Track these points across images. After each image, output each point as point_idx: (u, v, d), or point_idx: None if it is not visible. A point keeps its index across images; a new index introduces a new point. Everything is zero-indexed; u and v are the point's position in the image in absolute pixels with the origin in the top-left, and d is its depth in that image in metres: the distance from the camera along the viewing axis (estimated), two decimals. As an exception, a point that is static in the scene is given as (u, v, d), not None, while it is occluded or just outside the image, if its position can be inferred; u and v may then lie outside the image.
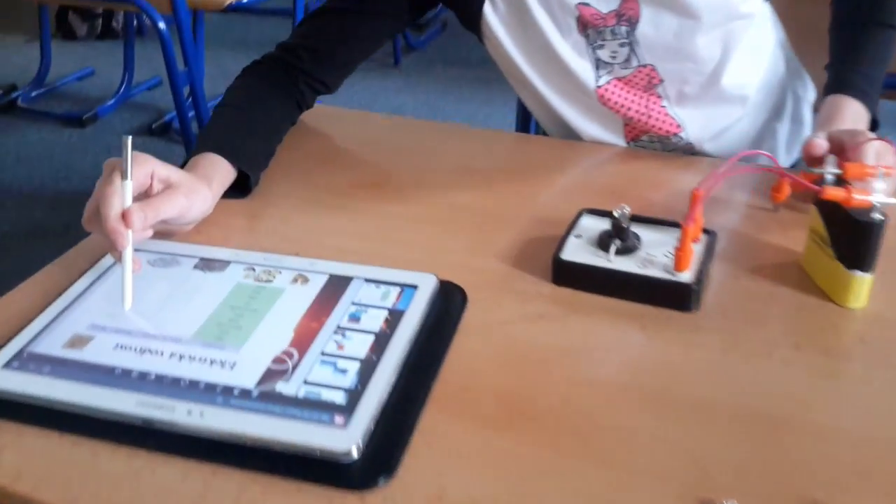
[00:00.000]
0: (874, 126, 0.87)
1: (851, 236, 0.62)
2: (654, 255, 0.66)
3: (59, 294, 0.64)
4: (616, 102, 0.91)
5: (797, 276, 0.68)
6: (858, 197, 0.62)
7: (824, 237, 0.65)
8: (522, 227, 0.75)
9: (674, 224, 0.69)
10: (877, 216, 0.61)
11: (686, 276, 0.64)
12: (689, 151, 0.95)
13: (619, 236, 0.66)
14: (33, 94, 3.04)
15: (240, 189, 0.81)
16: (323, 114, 1.00)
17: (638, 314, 0.63)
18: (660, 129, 0.92)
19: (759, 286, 0.67)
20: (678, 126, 0.93)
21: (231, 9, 2.41)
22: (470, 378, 0.57)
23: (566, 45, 0.88)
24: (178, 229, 0.73)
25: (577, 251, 0.67)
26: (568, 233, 0.69)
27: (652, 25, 0.85)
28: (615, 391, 0.56)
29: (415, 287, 0.64)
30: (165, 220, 0.68)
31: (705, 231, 0.69)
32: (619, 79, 0.90)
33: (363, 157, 0.91)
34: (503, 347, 0.60)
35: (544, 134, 1.06)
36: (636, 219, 0.69)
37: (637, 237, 0.68)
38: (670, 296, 0.63)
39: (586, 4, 0.85)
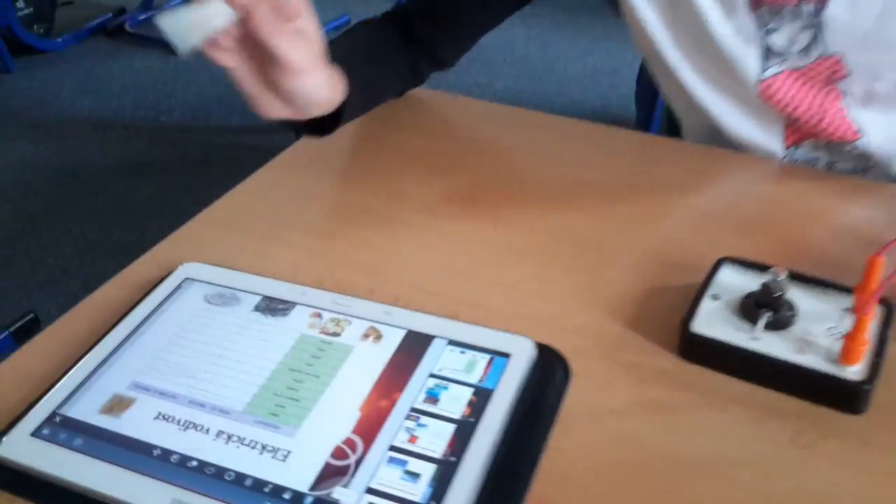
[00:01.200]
0: None
1: None
2: (813, 333, 0.52)
3: (109, 328, 0.57)
4: (781, 99, 0.74)
5: None
6: None
7: None
8: (642, 269, 0.62)
9: (844, 289, 0.55)
10: None
11: (855, 371, 0.50)
12: (862, 167, 0.78)
13: (769, 306, 0.53)
14: (141, 17, 3.02)
15: (318, 128, 0.71)
16: (410, 97, 0.88)
17: (792, 413, 0.50)
18: (832, 133, 0.75)
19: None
20: (856, 132, 0.75)
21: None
22: (566, 492, 0.46)
23: (729, 27, 0.72)
24: (301, 95, 0.62)
25: (713, 320, 0.54)
26: (702, 291, 0.56)
27: (848, 6, 0.68)
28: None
29: (507, 356, 0.53)
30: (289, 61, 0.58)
31: (881, 302, 0.54)
32: (792, 70, 0.73)
33: (455, 159, 0.79)
34: (612, 450, 0.48)
35: (670, 118, 0.90)
36: (793, 276, 0.55)
37: (792, 307, 0.54)
38: (832, 394, 0.49)
39: None
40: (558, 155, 0.78)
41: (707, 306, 0.55)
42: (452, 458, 0.47)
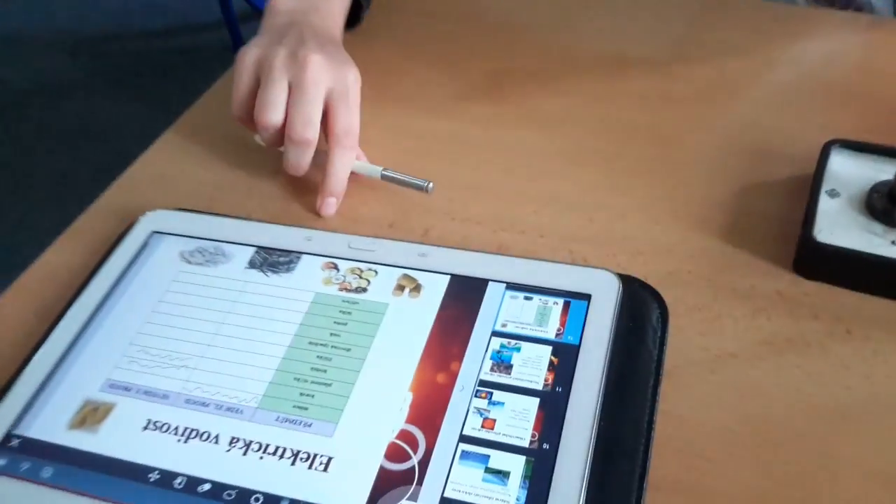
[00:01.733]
0: None
1: None
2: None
3: (63, 309, 0.44)
4: None
5: None
6: None
7: None
8: (731, 165, 0.50)
9: None
10: None
11: None
12: None
13: (905, 199, 0.41)
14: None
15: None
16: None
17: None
18: None
19: None
20: None
21: None
22: (693, 468, 0.36)
23: None
24: None
25: (837, 223, 0.42)
26: (816, 187, 0.44)
27: None
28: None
29: (587, 298, 0.41)
30: None
31: None
32: None
33: (471, 44, 0.64)
34: (736, 406, 0.38)
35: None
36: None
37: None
38: None
39: None
40: (601, 29, 0.64)
41: (826, 206, 0.43)
42: (546, 446, 0.36)
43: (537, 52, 0.62)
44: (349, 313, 0.42)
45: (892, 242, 0.41)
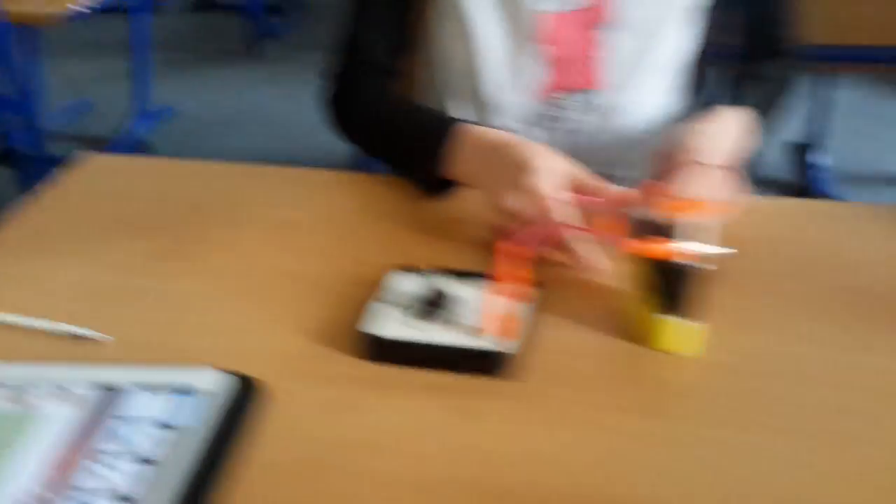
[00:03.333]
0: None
1: (664, 282, 0.58)
2: (463, 316, 0.61)
3: None
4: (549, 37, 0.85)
5: (622, 326, 0.63)
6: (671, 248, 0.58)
7: (643, 282, 0.61)
8: (334, 292, 0.68)
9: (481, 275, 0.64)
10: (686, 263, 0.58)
11: (492, 342, 0.58)
12: (604, 120, 0.89)
13: (432, 303, 0.61)
14: None
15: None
16: (97, 165, 0.90)
17: (458, 389, 0.57)
18: (585, 81, 0.87)
19: (586, 343, 0.62)
20: (605, 82, 0.87)
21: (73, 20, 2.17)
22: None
23: None
24: None
25: (387, 320, 0.61)
26: (377, 299, 0.63)
27: None
28: (439, 488, 0.50)
29: (188, 391, 0.56)
30: None
31: (528, 283, 0.63)
32: (561, 12, 0.84)
33: (162, 219, 0.81)
34: (305, 453, 0.53)
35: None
36: (452, 273, 0.63)
37: (442, 297, 0.62)
38: (483, 365, 0.58)
39: None
40: (265, 201, 0.84)
41: (381, 309, 0.62)
42: (137, 496, 0.49)
43: (213, 222, 0.80)
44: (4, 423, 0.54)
45: (415, 331, 0.60)
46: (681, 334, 0.59)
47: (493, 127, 0.77)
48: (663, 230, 0.59)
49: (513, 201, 0.67)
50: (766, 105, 0.87)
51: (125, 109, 2.68)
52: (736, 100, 0.84)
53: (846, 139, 2.46)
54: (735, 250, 0.64)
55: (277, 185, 0.87)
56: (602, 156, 0.85)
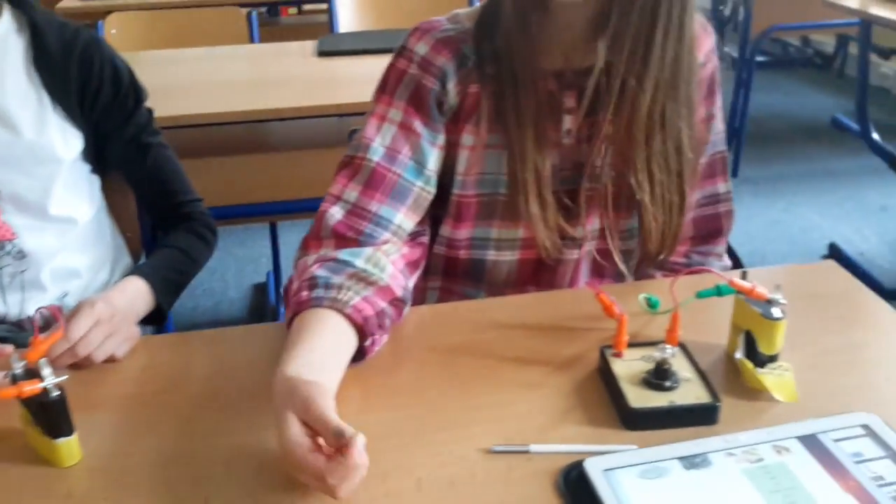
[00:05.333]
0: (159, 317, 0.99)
1: (35, 413, 0.72)
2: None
3: None
4: None
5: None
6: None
7: (27, 417, 0.73)
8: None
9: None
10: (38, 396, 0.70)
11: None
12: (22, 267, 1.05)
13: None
14: None
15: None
16: None
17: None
18: None
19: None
20: (14, 233, 1.02)
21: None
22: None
23: None
24: None
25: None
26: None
27: None
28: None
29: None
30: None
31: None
32: None
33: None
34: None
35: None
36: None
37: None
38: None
39: None
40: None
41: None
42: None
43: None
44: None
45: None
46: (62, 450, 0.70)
47: None
48: (32, 373, 0.71)
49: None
50: (177, 267, 1.07)
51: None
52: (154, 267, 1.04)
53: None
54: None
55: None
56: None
